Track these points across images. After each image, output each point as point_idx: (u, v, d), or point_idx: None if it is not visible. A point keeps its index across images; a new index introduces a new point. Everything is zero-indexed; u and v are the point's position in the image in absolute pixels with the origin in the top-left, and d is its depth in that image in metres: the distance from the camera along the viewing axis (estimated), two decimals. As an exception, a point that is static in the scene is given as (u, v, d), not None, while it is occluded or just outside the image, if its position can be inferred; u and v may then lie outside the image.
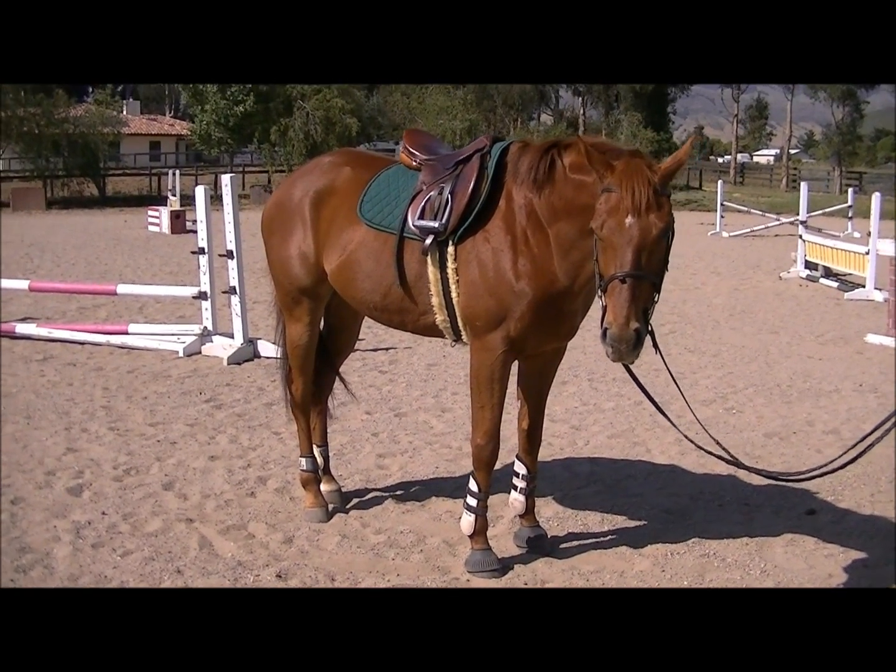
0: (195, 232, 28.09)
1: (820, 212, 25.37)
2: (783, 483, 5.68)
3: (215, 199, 41.31)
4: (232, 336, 10.81)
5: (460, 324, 5.18)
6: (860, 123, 69.78)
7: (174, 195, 30.64)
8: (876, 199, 17.65)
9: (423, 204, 5.16)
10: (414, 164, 5.42)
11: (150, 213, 28.88)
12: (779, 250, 23.35)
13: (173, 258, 20.53)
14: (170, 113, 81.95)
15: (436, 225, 5.06)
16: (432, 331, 5.41)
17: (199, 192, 10.98)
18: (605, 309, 4.34)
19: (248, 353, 10.65)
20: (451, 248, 5.06)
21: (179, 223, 27.26)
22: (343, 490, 6.43)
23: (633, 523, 6.10)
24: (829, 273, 18.45)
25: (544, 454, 7.33)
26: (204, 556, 5.45)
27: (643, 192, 4.27)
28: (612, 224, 4.28)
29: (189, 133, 50.51)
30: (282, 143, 45.66)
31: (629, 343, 4.23)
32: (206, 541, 5.67)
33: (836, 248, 17.87)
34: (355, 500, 6.38)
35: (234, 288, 10.70)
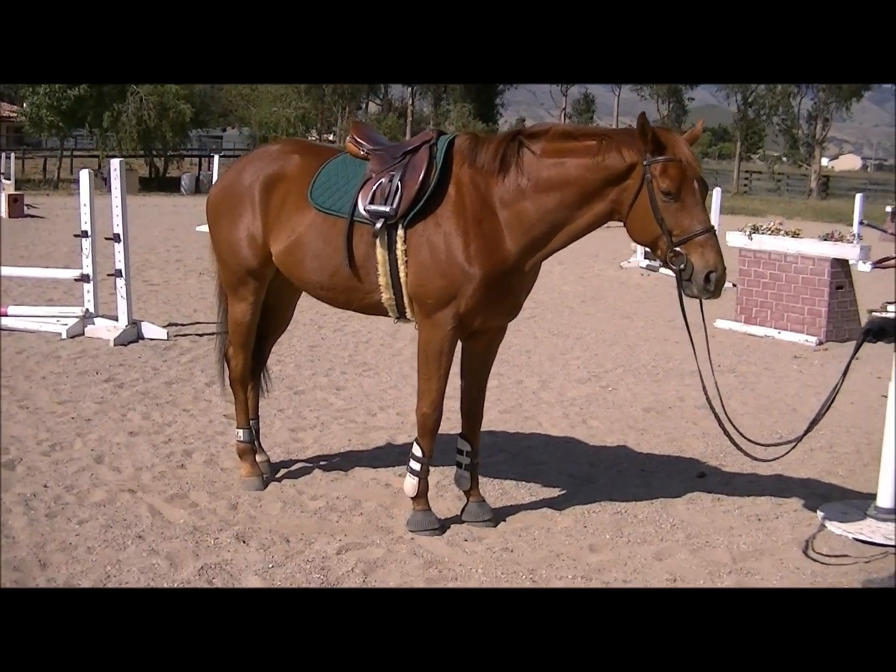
0: (32, 216, 27.30)
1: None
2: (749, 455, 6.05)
3: (45, 182, 39.56)
4: (115, 318, 10.93)
5: (405, 302, 5.60)
6: (684, 119, 72.42)
7: (8, 178, 29.99)
8: (717, 193, 18.74)
9: (373, 190, 5.57)
10: (361, 153, 5.81)
11: (-15, 197, 28.16)
12: (616, 242, 24.23)
13: (20, 242, 20.19)
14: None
15: (387, 209, 5.47)
16: (377, 309, 5.80)
17: (84, 176, 11.02)
18: (688, 259, 5.00)
19: (132, 335, 10.78)
20: (400, 232, 5.48)
21: (17, 207, 26.62)
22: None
23: (545, 487, 6.62)
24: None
25: (444, 428, 7.81)
26: (159, 523, 5.72)
27: (697, 159, 5.12)
28: (687, 187, 5.01)
29: (15, 115, 49.04)
30: (114, 129, 44.99)
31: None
32: (154, 509, 5.93)
33: (676, 240, 18.83)
34: (283, 471, 6.74)
35: (119, 271, 10.83)
